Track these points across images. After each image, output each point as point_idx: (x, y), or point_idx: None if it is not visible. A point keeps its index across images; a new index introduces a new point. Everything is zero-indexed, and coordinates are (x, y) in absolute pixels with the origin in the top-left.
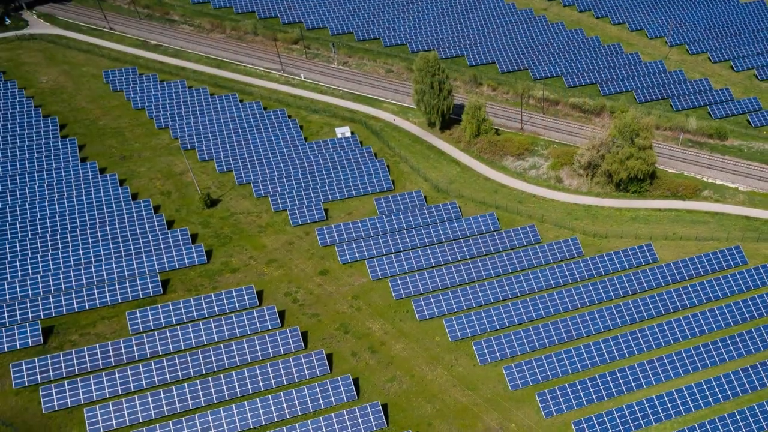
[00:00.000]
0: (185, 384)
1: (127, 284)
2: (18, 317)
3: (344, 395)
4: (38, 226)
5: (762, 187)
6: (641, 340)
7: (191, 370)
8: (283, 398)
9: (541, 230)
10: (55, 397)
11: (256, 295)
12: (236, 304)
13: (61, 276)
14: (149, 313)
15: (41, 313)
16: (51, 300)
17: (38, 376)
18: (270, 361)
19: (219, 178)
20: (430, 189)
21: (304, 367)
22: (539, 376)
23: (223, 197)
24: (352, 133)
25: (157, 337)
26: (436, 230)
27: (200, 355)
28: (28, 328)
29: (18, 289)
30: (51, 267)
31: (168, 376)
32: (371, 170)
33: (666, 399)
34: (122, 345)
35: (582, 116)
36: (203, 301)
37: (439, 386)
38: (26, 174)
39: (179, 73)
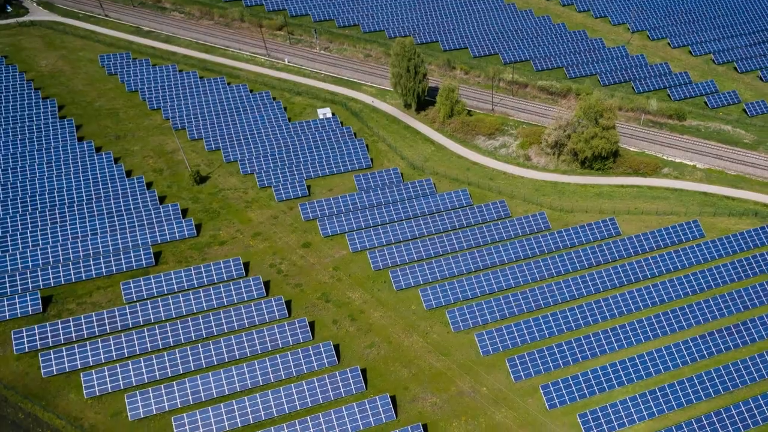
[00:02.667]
0: (176, 350)
1: (122, 256)
2: (19, 287)
3: (326, 360)
4: (38, 202)
5: (718, 165)
6: (605, 308)
7: (182, 336)
8: (268, 363)
9: (510, 205)
10: (53, 362)
11: (242, 266)
12: (224, 275)
13: (59, 248)
14: (142, 283)
15: (41, 283)
16: (50, 271)
17: (38, 343)
18: (256, 328)
19: (208, 156)
20: (407, 167)
21: (288, 334)
22: (509, 342)
23: (212, 174)
24: (333, 114)
25: (149, 305)
26: (411, 205)
27: (190, 323)
28: (28, 298)
29: (19, 261)
30: (50, 240)
31: (160, 342)
32: (351, 149)
33: (628, 364)
34: (117, 313)
35: (549, 98)
36: (193, 272)
37: (415, 352)
38: (26, 152)
39: (170, 58)
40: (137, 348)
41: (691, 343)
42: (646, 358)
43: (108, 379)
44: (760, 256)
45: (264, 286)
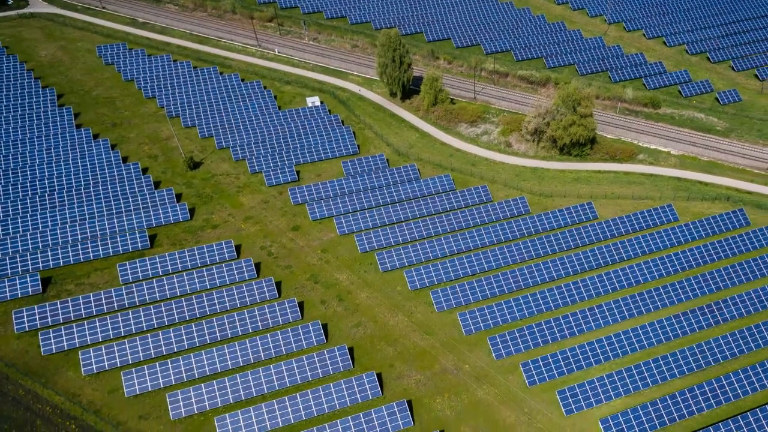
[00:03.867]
0: (170, 329)
1: (118, 239)
2: (19, 268)
3: (314, 339)
4: (37, 187)
5: (692, 151)
6: (582, 289)
7: (176, 316)
8: (258, 342)
9: (492, 190)
10: (52, 340)
11: (234, 248)
12: (216, 257)
13: (58, 231)
14: (138, 265)
15: (40, 264)
16: (49, 253)
17: (37, 322)
18: (247, 308)
19: (201, 143)
20: (392, 153)
21: (278, 313)
22: (490, 321)
23: (205, 160)
24: (322, 102)
25: (145, 286)
26: (397, 190)
27: (184, 303)
28: (28, 279)
29: (19, 243)
30: (49, 223)
31: (155, 321)
32: (338, 136)
33: (605, 342)
34: (113, 294)
35: (529, 87)
36: (187, 254)
37: (400, 331)
38: (27, 139)
39: (165, 48)
40: (133, 327)
41: (665, 323)
42: (622, 336)
43: (105, 357)
44: (732, 239)
45: (255, 268)
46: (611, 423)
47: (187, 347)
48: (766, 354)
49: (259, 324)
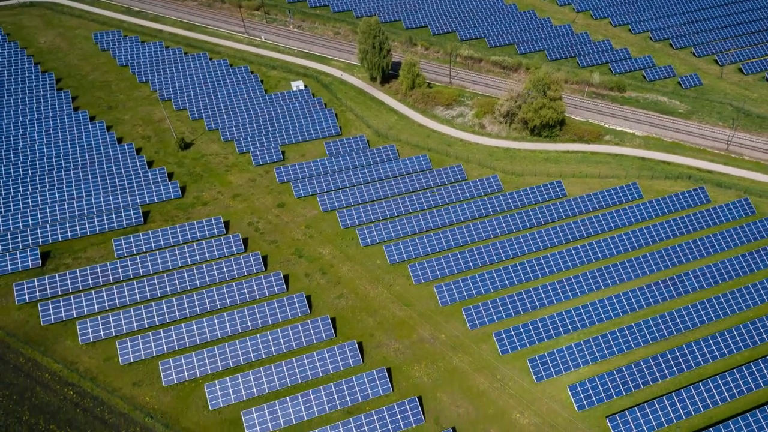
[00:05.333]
0: (163, 300)
1: (113, 215)
2: (20, 243)
3: (299, 310)
4: (37, 166)
5: (655, 133)
6: (552, 263)
7: (168, 288)
8: (246, 313)
9: (466, 169)
10: (51, 311)
11: (223, 224)
12: (206, 233)
13: (57, 208)
14: (132, 240)
15: (40, 239)
16: (48, 229)
17: (37, 294)
18: (235, 281)
19: (192, 124)
20: (372, 134)
21: (264, 286)
22: (465, 293)
23: (195, 141)
24: (306, 86)
25: (138, 260)
26: (377, 169)
27: (176, 276)
28: (28, 253)
29: (20, 220)
30: (48, 200)
31: (148, 293)
32: (321, 118)
33: (573, 313)
34: (109, 267)
35: (502, 72)
36: (178, 230)
37: (380, 302)
38: (27, 121)
39: (158, 35)
40: (127, 299)
41: (630, 295)
42: (590, 308)
43: (101, 327)
44: (693, 215)
45: (243, 243)
46: (579, 389)
47: (178, 318)
48: (726, 324)
49: (247, 296)
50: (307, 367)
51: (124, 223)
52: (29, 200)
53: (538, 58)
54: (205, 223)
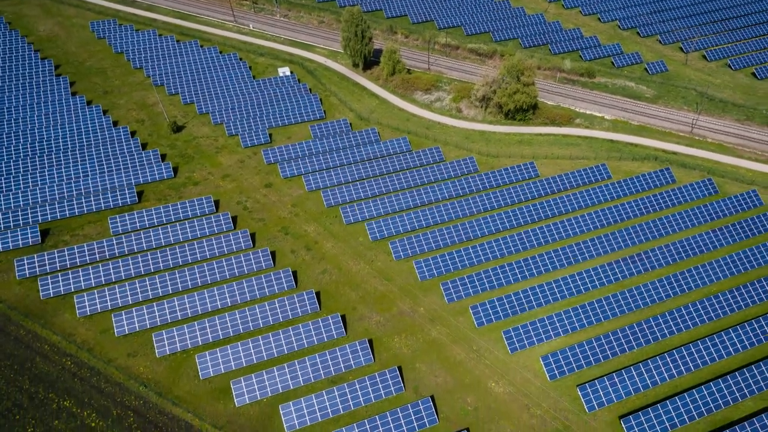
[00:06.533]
0: (156, 275)
1: (109, 195)
2: (20, 221)
3: (285, 285)
4: (37, 148)
5: (623, 116)
6: (525, 240)
7: (161, 264)
8: (235, 287)
9: (444, 151)
10: (50, 286)
11: (213, 203)
12: (197, 211)
13: (55, 188)
14: (127, 218)
15: (39, 218)
16: (47, 207)
17: (37, 269)
18: (225, 257)
19: (183, 108)
20: (355, 118)
21: (252, 261)
22: (443, 269)
23: (187, 124)
24: (292, 72)
25: (133, 237)
26: (359, 151)
27: (168, 252)
28: (28, 230)
29: (20, 199)
30: (47, 181)
31: (142, 269)
32: (307, 102)
33: (546, 288)
34: (105, 244)
35: (478, 59)
36: (171, 208)
37: (362, 277)
38: (27, 105)
39: (151, 24)
40: (122, 274)
41: (599, 270)
42: (561, 282)
43: (97, 301)
44: (659, 194)
45: (232, 221)
46: (551, 359)
47: (171, 292)
48: (690, 298)
49: (236, 271)
50: (293, 338)
51: (120, 202)
52: (29, 180)
53: (512, 46)
54: (196, 202)
